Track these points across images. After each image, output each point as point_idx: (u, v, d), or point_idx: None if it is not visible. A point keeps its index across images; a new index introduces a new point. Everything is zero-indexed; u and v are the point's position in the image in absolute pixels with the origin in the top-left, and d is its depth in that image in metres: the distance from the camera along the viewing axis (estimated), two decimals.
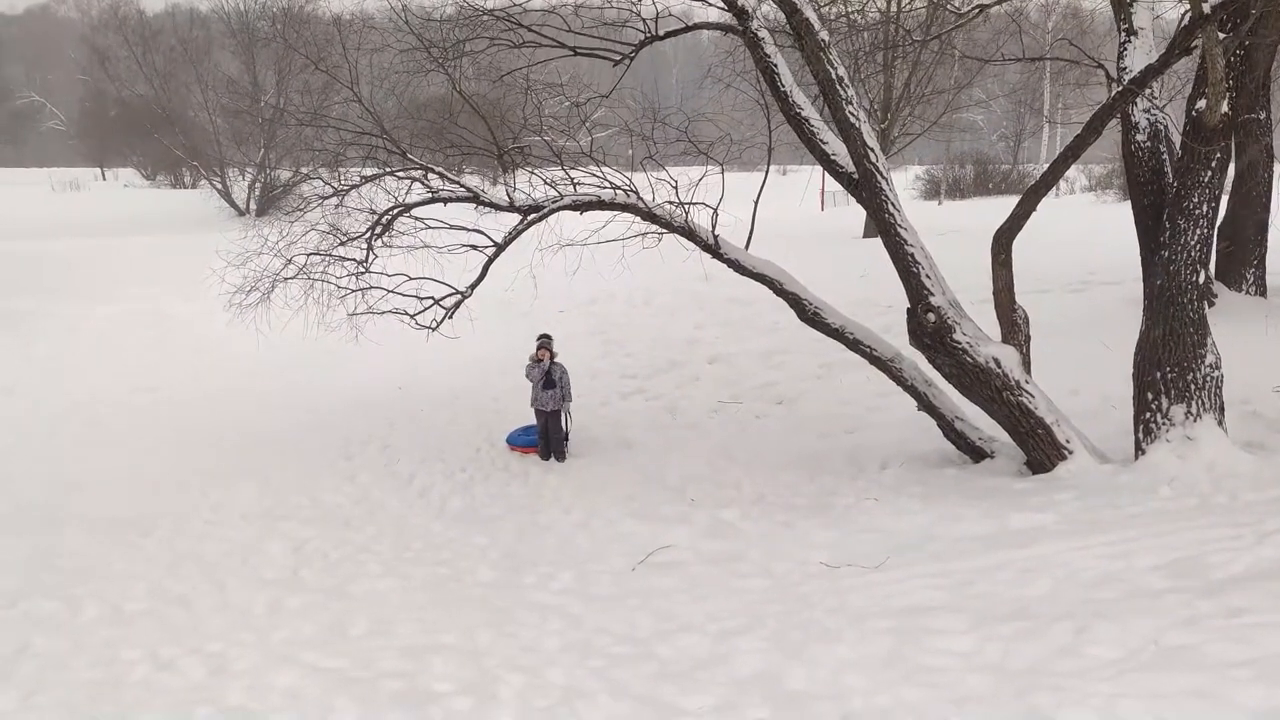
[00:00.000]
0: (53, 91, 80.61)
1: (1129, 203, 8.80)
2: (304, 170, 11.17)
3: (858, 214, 30.40)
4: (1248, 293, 13.75)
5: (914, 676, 4.49)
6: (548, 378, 10.62)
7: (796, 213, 31.45)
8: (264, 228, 10.38)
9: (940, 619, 5.19)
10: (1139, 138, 8.35)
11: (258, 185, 35.44)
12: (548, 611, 6.23)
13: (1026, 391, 8.27)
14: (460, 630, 5.91)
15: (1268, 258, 13.97)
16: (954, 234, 19.07)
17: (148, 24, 39.87)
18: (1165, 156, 8.29)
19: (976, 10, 13.69)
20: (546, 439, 10.65)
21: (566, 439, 10.77)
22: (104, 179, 57.23)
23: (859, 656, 4.83)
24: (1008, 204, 9.53)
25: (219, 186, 36.39)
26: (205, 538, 8.30)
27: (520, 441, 10.91)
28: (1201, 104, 7.55)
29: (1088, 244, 19.34)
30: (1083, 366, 10.74)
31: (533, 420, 10.86)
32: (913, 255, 8.62)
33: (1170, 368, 7.85)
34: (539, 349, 10.75)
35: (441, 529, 8.49)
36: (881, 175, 8.69)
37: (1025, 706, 4.00)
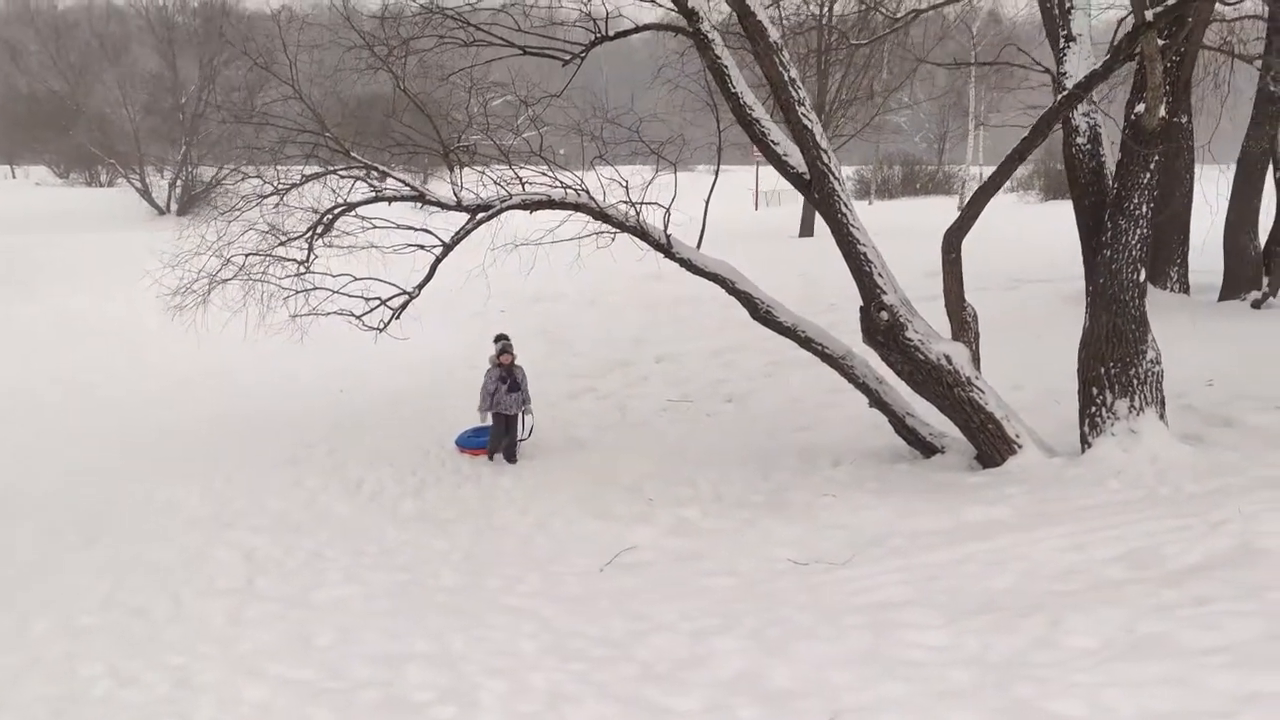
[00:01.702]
0: None
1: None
2: (242, 168, 10.87)
3: (791, 213, 30.76)
4: (1171, 290, 14.28)
5: (896, 671, 4.56)
6: (511, 380, 10.49)
7: (731, 211, 31.69)
8: (200, 226, 10.10)
9: (913, 613, 5.28)
10: (1079, 140, 8.60)
11: (179, 184, 34.47)
12: (518, 615, 6.17)
13: (977, 387, 8.45)
14: (431, 636, 5.82)
15: (1190, 256, 14.52)
16: (885, 233, 19.41)
17: (61, 18, 38.45)
18: (1105, 158, 8.55)
19: (912, 15, 14.02)
20: (499, 440, 10.53)
21: (528, 435, 10.70)
22: (14, 176, 55.17)
23: (839, 653, 4.88)
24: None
25: (138, 185, 35.30)
26: (153, 544, 8.06)
27: (471, 444, 10.79)
28: (1140, 108, 7.79)
29: (1017, 244, 19.89)
30: (1023, 362, 11.02)
31: (478, 423, 10.73)
32: (865, 254, 8.74)
33: (1114, 363, 8.09)
34: (501, 352, 10.58)
35: (396, 533, 8.36)
36: (834, 175, 8.80)
37: (1010, 699, 4.08)
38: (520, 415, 10.62)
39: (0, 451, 11.09)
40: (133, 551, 7.91)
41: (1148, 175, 7.97)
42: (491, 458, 10.51)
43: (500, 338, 10.84)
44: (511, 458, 10.50)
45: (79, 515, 8.85)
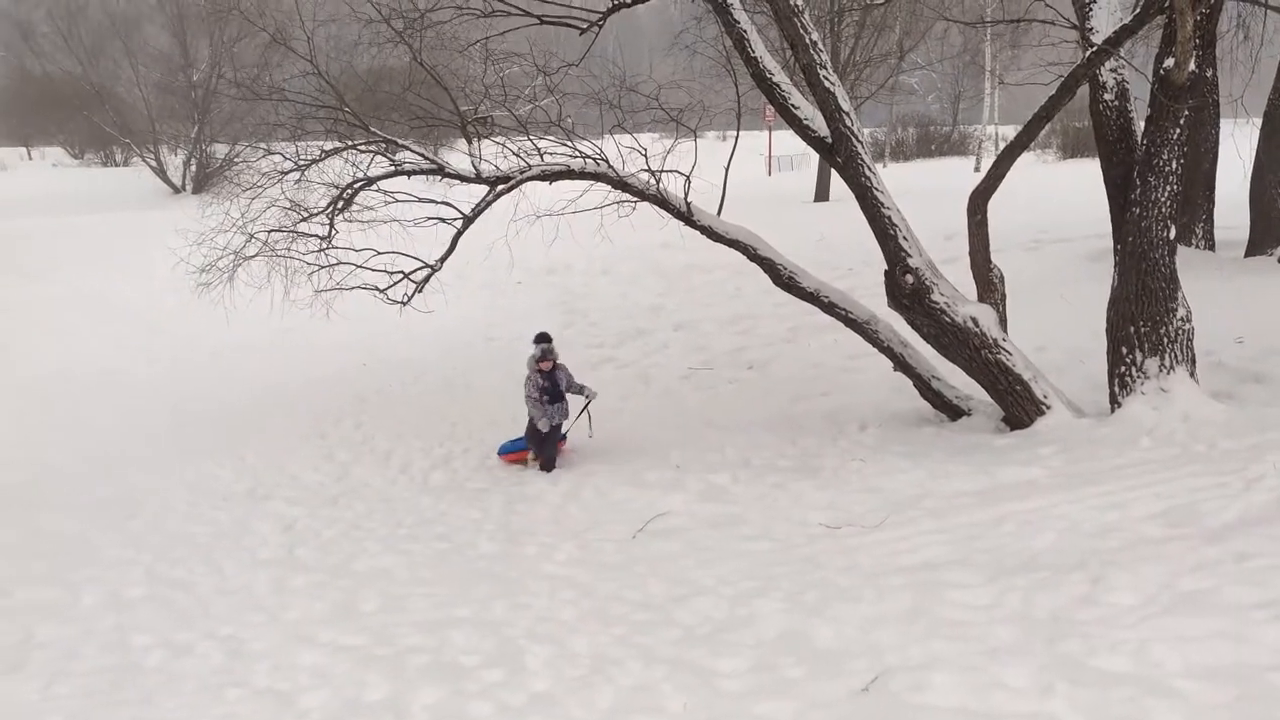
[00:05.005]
0: None
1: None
2: (261, 145, 10.88)
3: (805, 178, 30.58)
4: (1197, 247, 14.15)
5: (941, 630, 4.59)
6: (554, 390, 9.25)
7: (744, 177, 31.55)
8: (223, 203, 10.15)
9: (953, 573, 5.31)
10: (1107, 97, 8.51)
11: (193, 162, 34.51)
12: (557, 581, 6.24)
13: (1004, 349, 8.43)
14: (473, 603, 5.90)
15: (1215, 212, 14.39)
16: (902, 196, 19.29)
17: None
18: (1133, 115, 8.47)
19: None
20: (540, 444, 9.37)
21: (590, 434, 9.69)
22: (30, 158, 55.41)
23: (881, 613, 4.92)
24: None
25: (153, 164, 35.36)
26: (191, 519, 8.18)
27: (512, 449, 9.73)
28: (1169, 62, 7.70)
29: (1036, 204, 19.70)
30: (1046, 323, 10.98)
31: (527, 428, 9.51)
32: (890, 218, 8.71)
33: (1144, 322, 8.05)
34: (541, 357, 9.21)
35: (430, 503, 8.44)
36: (857, 138, 8.75)
37: (1058, 655, 4.12)
38: (571, 417, 9.50)
39: (30, 435, 11.21)
40: (173, 525, 8.04)
41: (1177, 131, 7.89)
42: (539, 459, 9.37)
43: (540, 338, 9.42)
44: (548, 467, 9.30)
45: (114, 493, 8.97)
